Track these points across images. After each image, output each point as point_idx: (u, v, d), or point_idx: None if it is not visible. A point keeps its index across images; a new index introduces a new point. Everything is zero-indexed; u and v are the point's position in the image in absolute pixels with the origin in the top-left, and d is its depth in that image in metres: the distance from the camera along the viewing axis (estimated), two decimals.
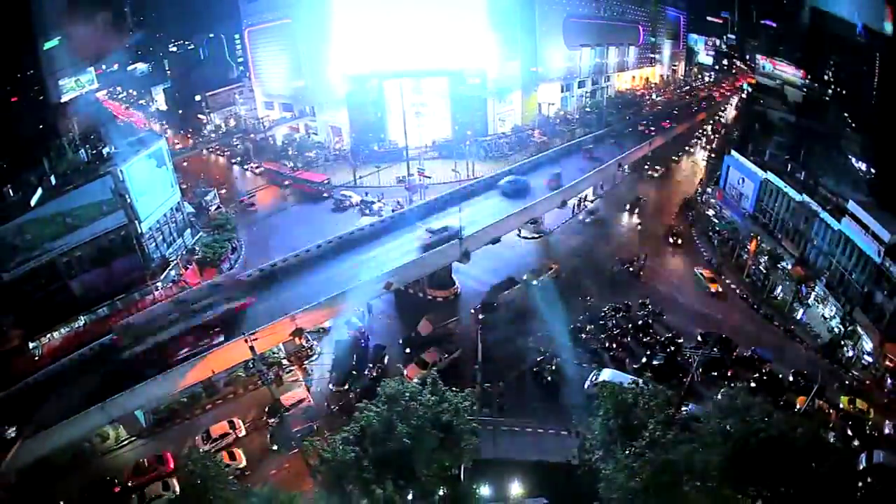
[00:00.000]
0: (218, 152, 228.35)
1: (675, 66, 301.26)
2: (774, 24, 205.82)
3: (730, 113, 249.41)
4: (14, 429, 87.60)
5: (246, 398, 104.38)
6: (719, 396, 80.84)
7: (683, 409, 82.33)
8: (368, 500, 62.49)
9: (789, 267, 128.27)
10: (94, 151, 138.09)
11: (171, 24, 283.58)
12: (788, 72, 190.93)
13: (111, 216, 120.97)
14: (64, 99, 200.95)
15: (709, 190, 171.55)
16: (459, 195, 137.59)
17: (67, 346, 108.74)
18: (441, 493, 67.99)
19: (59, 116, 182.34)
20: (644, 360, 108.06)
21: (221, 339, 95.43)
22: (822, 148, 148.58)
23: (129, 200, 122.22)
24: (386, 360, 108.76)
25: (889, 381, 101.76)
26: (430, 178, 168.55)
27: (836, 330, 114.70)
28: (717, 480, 65.31)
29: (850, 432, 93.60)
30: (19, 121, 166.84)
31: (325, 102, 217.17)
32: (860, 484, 79.69)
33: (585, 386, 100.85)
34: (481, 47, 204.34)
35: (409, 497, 65.45)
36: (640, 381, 79.92)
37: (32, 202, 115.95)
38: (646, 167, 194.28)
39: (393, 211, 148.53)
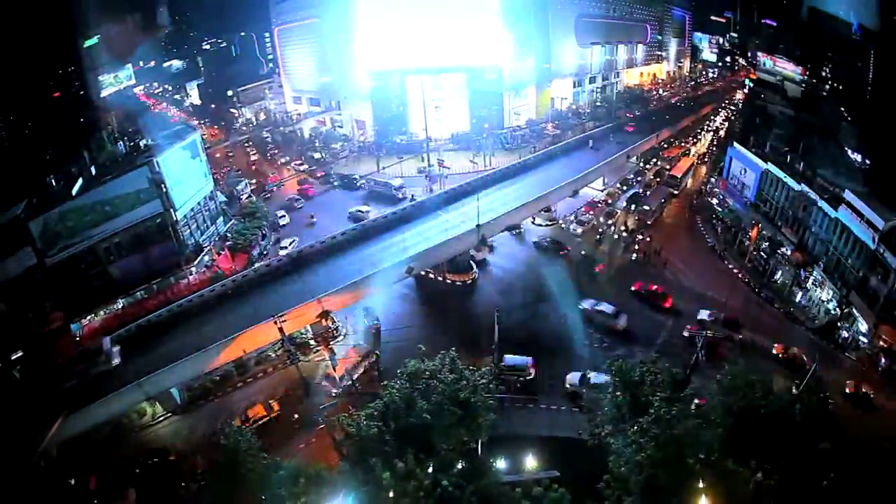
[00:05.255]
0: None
1: (680, 62, 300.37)
2: (774, 23, 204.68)
3: (732, 107, 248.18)
4: None
5: (275, 377, 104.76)
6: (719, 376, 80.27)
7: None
8: (390, 473, 62.45)
9: (789, 253, 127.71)
10: (132, 143, 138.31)
11: (205, 22, 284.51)
12: (788, 68, 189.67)
13: (148, 205, 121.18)
14: (103, 94, 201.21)
15: (712, 180, 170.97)
16: (477, 185, 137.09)
17: (107, 328, 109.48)
18: (459, 466, 67.86)
19: (99, 110, 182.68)
20: None
21: None
22: (820, 140, 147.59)
23: (164, 190, 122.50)
24: None
25: (883, 360, 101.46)
26: (448, 168, 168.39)
27: (832, 312, 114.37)
28: (720, 454, 65.24)
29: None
30: (61, 115, 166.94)
31: (350, 97, 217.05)
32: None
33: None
34: (498, 45, 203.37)
35: (430, 470, 65.33)
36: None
37: (73, 191, 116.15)
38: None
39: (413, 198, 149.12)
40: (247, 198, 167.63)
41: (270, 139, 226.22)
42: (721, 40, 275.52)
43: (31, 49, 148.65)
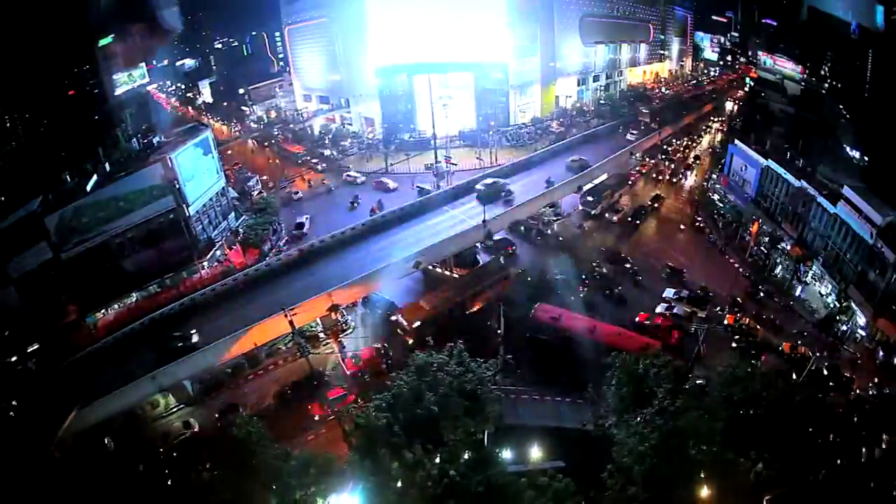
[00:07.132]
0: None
1: (682, 61, 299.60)
2: (775, 23, 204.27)
3: (733, 105, 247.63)
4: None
5: (285, 369, 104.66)
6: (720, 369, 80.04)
7: None
8: (399, 463, 62.47)
9: (788, 247, 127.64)
10: (146, 140, 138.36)
11: (217, 22, 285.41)
12: (788, 67, 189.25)
13: (161, 200, 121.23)
14: (117, 92, 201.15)
15: (714, 176, 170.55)
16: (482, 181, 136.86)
17: (121, 321, 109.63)
18: (466, 456, 67.82)
19: (113, 108, 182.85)
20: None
21: None
22: (819, 137, 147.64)
23: (177, 186, 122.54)
24: None
25: (880, 352, 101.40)
26: (455, 164, 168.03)
27: (831, 306, 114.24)
28: (721, 445, 65.07)
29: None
30: (76, 113, 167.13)
31: (359, 95, 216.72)
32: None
33: None
34: (504, 44, 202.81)
35: (437, 460, 65.28)
36: None
37: (88, 187, 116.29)
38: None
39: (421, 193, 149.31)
40: (257, 194, 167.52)
41: (281, 136, 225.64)
42: (722, 39, 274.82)
43: (46, 48, 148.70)
